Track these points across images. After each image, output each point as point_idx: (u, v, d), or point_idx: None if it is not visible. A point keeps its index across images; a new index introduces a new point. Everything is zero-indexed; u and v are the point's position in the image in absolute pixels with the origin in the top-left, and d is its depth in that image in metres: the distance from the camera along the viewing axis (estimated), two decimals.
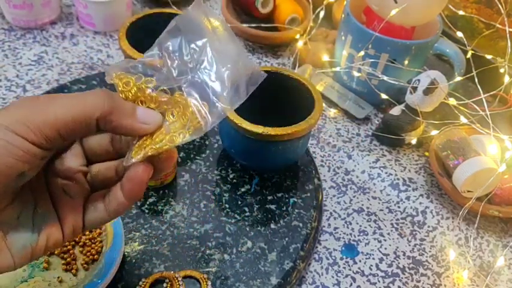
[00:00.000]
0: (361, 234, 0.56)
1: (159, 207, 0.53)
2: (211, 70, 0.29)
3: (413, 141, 0.66)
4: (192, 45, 0.30)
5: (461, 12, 0.72)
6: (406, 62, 0.66)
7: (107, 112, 0.27)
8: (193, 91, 0.29)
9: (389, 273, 0.53)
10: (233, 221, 0.53)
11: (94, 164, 0.33)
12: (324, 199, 0.59)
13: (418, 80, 0.61)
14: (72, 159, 0.31)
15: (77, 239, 0.48)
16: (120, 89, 0.28)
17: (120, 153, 0.32)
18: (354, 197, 0.60)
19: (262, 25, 0.77)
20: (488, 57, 0.70)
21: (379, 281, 0.52)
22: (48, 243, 0.29)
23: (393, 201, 0.60)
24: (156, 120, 0.28)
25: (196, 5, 0.30)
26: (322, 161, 0.64)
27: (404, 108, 0.64)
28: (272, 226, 0.53)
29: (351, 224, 0.57)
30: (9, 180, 0.26)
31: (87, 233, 0.48)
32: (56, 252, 0.47)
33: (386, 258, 0.54)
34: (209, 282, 0.47)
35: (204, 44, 0.29)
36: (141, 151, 0.28)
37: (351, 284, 0.51)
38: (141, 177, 0.28)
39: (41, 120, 0.25)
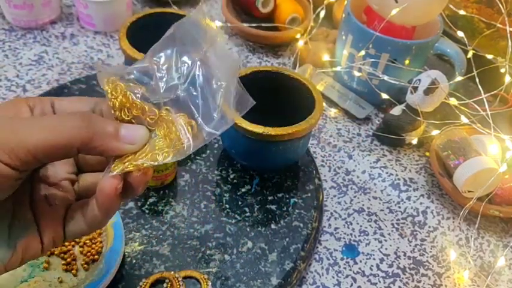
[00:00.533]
0: (362, 234, 0.56)
1: (160, 208, 0.53)
2: (201, 88, 0.28)
3: (414, 141, 0.66)
4: (184, 58, 0.28)
5: (461, 12, 0.72)
6: (406, 62, 0.65)
7: (87, 140, 0.25)
8: (181, 109, 0.28)
9: (390, 274, 0.53)
10: (233, 221, 0.53)
11: (85, 172, 0.32)
12: (325, 199, 0.59)
13: (419, 80, 0.61)
14: (61, 166, 0.30)
15: (77, 239, 0.48)
16: (108, 96, 0.28)
17: None
18: (354, 197, 0.60)
19: (263, 25, 0.77)
20: (489, 57, 0.70)
21: (379, 282, 0.52)
22: (25, 256, 0.28)
23: (394, 202, 0.60)
24: (142, 139, 0.27)
25: (197, 12, 0.29)
26: (322, 161, 0.64)
27: (405, 108, 0.64)
28: (272, 226, 0.53)
29: (351, 224, 0.57)
30: None
31: None
32: (56, 252, 0.47)
33: (387, 258, 0.54)
34: (209, 283, 0.47)
35: (197, 60, 0.28)
36: (120, 165, 0.27)
37: (352, 285, 0.51)
38: (109, 190, 0.27)
39: (15, 143, 0.24)
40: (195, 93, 0.28)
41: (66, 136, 0.25)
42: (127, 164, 0.27)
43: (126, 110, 0.28)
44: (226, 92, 0.28)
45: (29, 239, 0.28)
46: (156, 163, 0.27)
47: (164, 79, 0.28)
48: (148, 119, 0.28)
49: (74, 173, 0.31)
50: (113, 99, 0.27)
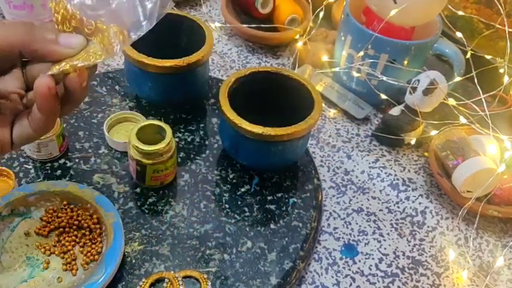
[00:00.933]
0: (361, 234, 0.56)
1: (159, 208, 0.53)
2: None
3: (413, 142, 0.66)
4: None
5: (460, 13, 0.72)
6: (405, 62, 0.66)
7: (28, 43, 0.29)
8: (113, 18, 0.31)
9: (389, 273, 0.53)
10: (233, 221, 0.53)
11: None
12: (324, 199, 0.59)
13: (418, 80, 0.61)
14: (10, 81, 0.32)
15: (77, 239, 0.48)
16: (52, 12, 0.31)
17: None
18: (353, 197, 0.60)
19: (262, 25, 0.77)
20: (488, 57, 0.70)
21: (378, 281, 0.52)
22: None
23: (393, 202, 0.61)
24: (79, 44, 0.30)
25: None
26: (321, 161, 0.64)
27: (403, 109, 0.64)
28: (272, 226, 0.53)
29: (350, 224, 0.57)
30: None
31: (87, 233, 0.48)
32: (56, 252, 0.47)
33: (386, 258, 0.54)
34: (209, 282, 0.47)
35: None
36: (57, 65, 0.30)
37: (351, 284, 0.51)
38: (43, 88, 0.29)
39: None
40: (125, 4, 0.31)
41: (9, 40, 0.29)
42: (63, 64, 0.30)
43: (67, 23, 0.31)
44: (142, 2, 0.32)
45: None
46: (88, 63, 0.30)
47: None
48: (86, 29, 0.31)
49: (22, 89, 0.33)
50: (55, 14, 0.31)
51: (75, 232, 0.48)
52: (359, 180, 0.62)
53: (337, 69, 0.72)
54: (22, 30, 0.29)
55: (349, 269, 0.53)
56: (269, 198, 0.56)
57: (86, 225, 0.48)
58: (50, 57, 0.30)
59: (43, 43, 0.30)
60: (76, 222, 0.49)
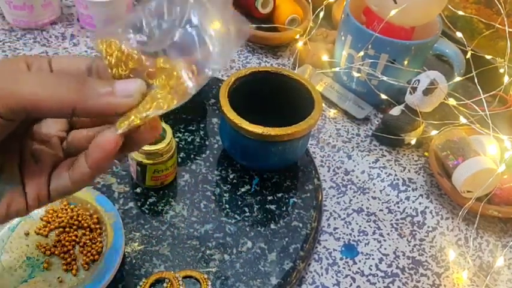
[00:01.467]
0: (361, 234, 0.56)
1: (159, 208, 0.53)
2: (197, 27, 0.27)
3: (413, 142, 0.66)
4: (177, 1, 0.27)
5: (460, 13, 0.72)
6: (405, 63, 0.66)
7: (82, 101, 0.25)
8: (178, 52, 0.26)
9: (389, 274, 0.53)
10: (233, 221, 0.53)
11: (75, 129, 0.32)
12: (324, 199, 0.59)
13: (418, 81, 0.61)
14: (54, 124, 0.30)
15: (77, 239, 0.48)
16: (104, 55, 0.27)
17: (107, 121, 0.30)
18: (353, 197, 0.60)
19: (262, 25, 0.78)
20: (488, 57, 0.70)
21: (378, 281, 0.52)
22: (9, 211, 0.28)
23: (393, 202, 0.61)
24: (138, 90, 0.26)
25: None
26: (322, 161, 0.64)
27: (404, 109, 0.64)
28: (272, 226, 0.53)
29: (350, 224, 0.57)
30: None
31: (87, 233, 0.48)
32: (56, 252, 0.47)
33: (386, 258, 0.54)
34: (209, 283, 0.47)
35: (188, 0, 0.27)
36: (125, 121, 0.26)
37: (351, 284, 0.51)
38: (109, 146, 0.26)
39: (8, 92, 0.24)
40: (191, 34, 0.26)
41: (58, 95, 0.25)
42: (132, 118, 0.26)
43: (122, 65, 0.27)
44: (226, 26, 0.27)
45: (14, 194, 0.28)
46: (162, 111, 0.26)
47: (158, 25, 0.27)
48: (147, 70, 0.27)
49: (64, 131, 0.31)
50: (108, 57, 0.27)
51: (75, 232, 0.48)
52: (359, 180, 0.62)
53: (337, 69, 0.72)
54: (75, 85, 0.25)
55: (349, 269, 0.53)
56: (269, 198, 0.56)
57: (86, 225, 0.48)
58: (107, 113, 0.26)
59: (98, 98, 0.25)
60: (76, 222, 0.49)
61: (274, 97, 0.59)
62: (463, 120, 0.60)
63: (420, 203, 0.61)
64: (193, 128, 0.63)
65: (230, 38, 0.27)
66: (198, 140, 0.62)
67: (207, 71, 0.26)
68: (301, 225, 0.54)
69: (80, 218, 0.49)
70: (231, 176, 0.58)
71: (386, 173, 0.64)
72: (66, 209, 0.50)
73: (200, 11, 0.27)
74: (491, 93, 0.63)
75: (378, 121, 0.71)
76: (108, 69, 0.27)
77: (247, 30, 0.28)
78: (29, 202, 0.28)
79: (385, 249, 0.55)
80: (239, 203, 0.55)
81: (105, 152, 0.26)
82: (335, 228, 0.56)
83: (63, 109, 0.25)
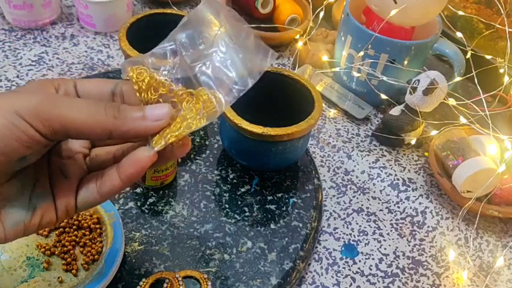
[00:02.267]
0: (361, 234, 0.56)
1: (159, 208, 0.53)
2: (224, 56, 0.30)
3: (413, 142, 0.66)
4: (205, 34, 0.30)
5: (460, 13, 0.72)
6: (405, 62, 0.66)
7: (119, 126, 0.28)
8: (207, 78, 0.30)
9: (389, 274, 0.53)
10: (233, 221, 0.53)
11: (97, 147, 0.34)
12: (324, 199, 0.59)
13: (418, 81, 0.61)
14: (76, 142, 0.32)
15: (77, 239, 0.48)
16: (134, 80, 0.29)
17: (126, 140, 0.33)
18: (353, 197, 0.60)
19: (262, 25, 0.77)
20: (488, 57, 0.70)
21: (378, 281, 0.52)
22: (42, 222, 0.30)
23: (393, 202, 0.61)
24: (167, 114, 0.29)
25: (207, 1, 0.31)
26: (322, 161, 0.64)
27: (403, 109, 0.64)
28: (272, 226, 0.53)
29: (350, 224, 0.57)
30: (10, 162, 0.27)
31: (87, 233, 0.48)
32: (56, 252, 0.47)
33: (386, 258, 0.54)
34: (209, 282, 0.47)
35: (216, 32, 0.30)
36: (161, 140, 0.29)
37: (351, 284, 0.51)
38: (145, 163, 0.29)
39: (53, 114, 0.26)
40: (220, 60, 0.30)
41: (98, 121, 0.27)
42: (168, 136, 0.29)
43: (152, 90, 0.29)
44: (248, 58, 0.30)
45: (46, 206, 0.30)
46: (192, 130, 0.29)
47: (189, 52, 0.30)
48: (176, 96, 0.30)
49: (87, 148, 0.33)
50: (138, 83, 0.29)
51: (75, 232, 0.48)
52: (359, 180, 0.62)
53: (337, 69, 0.72)
54: (111, 112, 0.28)
55: (349, 269, 0.53)
56: (269, 198, 0.56)
57: (86, 225, 0.49)
58: (140, 136, 0.29)
59: (132, 123, 0.28)
60: (76, 222, 0.49)
61: (274, 97, 0.59)
62: (463, 120, 0.60)
63: (420, 203, 0.61)
64: None
65: (254, 63, 0.30)
66: (198, 140, 0.62)
67: (234, 92, 0.30)
68: (301, 225, 0.54)
69: (80, 218, 0.49)
70: (231, 176, 0.58)
71: (386, 173, 0.64)
72: None
73: (225, 41, 0.30)
74: (491, 93, 0.63)
75: (378, 121, 0.71)
76: (137, 94, 0.30)
77: (268, 55, 0.31)
78: (59, 214, 0.31)
79: (385, 249, 0.55)
80: (239, 203, 0.55)
81: (141, 167, 0.29)
82: (335, 228, 0.56)
83: (102, 133, 0.28)
